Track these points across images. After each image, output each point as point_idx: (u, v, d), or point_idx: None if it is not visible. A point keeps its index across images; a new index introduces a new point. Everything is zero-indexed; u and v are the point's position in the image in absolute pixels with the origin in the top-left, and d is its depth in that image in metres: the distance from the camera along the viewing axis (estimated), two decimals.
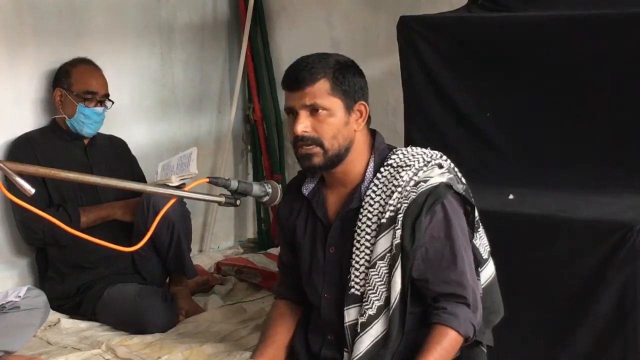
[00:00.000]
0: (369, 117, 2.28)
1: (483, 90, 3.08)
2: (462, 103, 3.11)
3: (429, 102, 3.18)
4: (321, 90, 2.18)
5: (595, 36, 2.82)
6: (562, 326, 2.61)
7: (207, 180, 2.12)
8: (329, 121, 2.19)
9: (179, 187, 3.16)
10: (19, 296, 2.86)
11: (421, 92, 3.19)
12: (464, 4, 3.34)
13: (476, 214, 2.29)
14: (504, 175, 2.97)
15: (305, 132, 2.19)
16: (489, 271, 2.34)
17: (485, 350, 2.32)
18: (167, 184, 3.26)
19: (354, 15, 4.26)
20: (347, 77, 2.21)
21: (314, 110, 2.18)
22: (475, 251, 2.27)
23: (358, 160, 2.27)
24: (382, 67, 3.97)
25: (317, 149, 2.20)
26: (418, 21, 3.20)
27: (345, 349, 2.25)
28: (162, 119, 4.31)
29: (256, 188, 2.18)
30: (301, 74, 2.19)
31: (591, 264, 2.52)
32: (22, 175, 1.79)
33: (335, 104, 2.19)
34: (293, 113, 2.22)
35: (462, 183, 2.29)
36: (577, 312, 2.59)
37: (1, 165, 1.78)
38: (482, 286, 2.29)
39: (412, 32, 3.16)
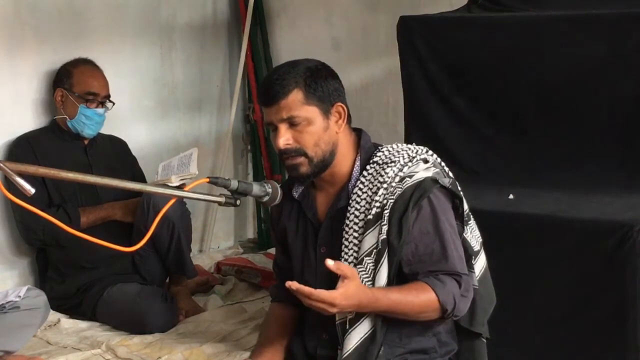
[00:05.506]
0: (350, 117, 2.29)
1: (483, 90, 3.08)
2: (462, 103, 3.11)
3: (429, 102, 3.18)
4: (295, 102, 2.19)
5: (595, 36, 2.82)
6: (562, 326, 2.61)
7: (207, 180, 2.11)
8: (308, 130, 2.20)
9: (179, 187, 3.16)
10: (19, 296, 2.86)
11: (421, 92, 3.19)
12: (464, 4, 3.35)
13: (465, 206, 2.29)
14: (504, 175, 2.97)
15: (287, 144, 2.21)
16: (481, 262, 2.34)
17: (485, 341, 2.33)
18: (167, 184, 3.26)
19: (354, 15, 4.26)
20: (319, 82, 2.21)
21: (292, 122, 2.20)
22: (466, 244, 2.27)
23: (344, 161, 2.28)
24: (382, 67, 3.96)
25: (302, 159, 2.22)
26: (418, 21, 3.20)
27: (339, 347, 2.25)
28: (162, 119, 4.31)
29: (256, 188, 2.18)
30: (273, 88, 2.20)
31: (591, 264, 2.52)
32: (22, 175, 1.78)
33: (312, 112, 2.20)
34: (273, 127, 2.24)
35: (449, 177, 2.29)
36: (577, 312, 2.59)
37: (1, 165, 1.78)
38: (477, 278, 2.30)
39: (412, 32, 3.17)
